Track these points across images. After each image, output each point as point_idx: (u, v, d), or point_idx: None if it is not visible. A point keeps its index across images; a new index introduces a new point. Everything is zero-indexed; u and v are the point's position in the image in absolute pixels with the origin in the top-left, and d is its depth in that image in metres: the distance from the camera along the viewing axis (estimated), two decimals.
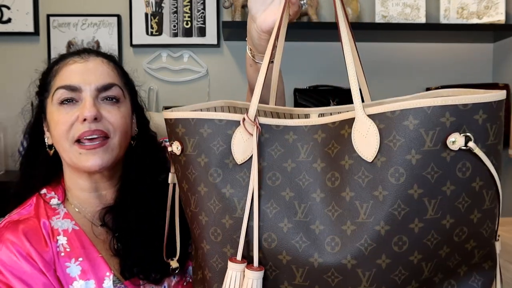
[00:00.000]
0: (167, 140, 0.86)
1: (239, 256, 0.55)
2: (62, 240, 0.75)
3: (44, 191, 0.80)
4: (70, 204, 0.80)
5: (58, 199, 0.79)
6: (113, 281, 0.74)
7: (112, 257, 0.76)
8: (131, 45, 2.03)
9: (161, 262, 0.74)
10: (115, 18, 2.02)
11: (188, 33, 2.05)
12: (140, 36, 2.04)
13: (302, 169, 0.57)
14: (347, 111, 0.58)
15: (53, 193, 0.80)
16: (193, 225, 0.61)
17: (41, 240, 0.73)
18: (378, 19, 1.99)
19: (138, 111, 0.85)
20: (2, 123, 2.01)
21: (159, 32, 2.05)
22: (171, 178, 0.68)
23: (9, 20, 2.00)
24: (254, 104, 0.58)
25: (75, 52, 0.80)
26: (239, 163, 0.58)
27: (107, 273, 0.74)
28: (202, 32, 2.05)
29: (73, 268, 0.73)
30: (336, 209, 0.53)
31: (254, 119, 0.57)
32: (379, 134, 0.51)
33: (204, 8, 2.05)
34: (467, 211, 0.51)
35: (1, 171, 1.97)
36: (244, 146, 0.58)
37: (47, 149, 0.80)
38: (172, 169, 0.67)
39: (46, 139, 0.80)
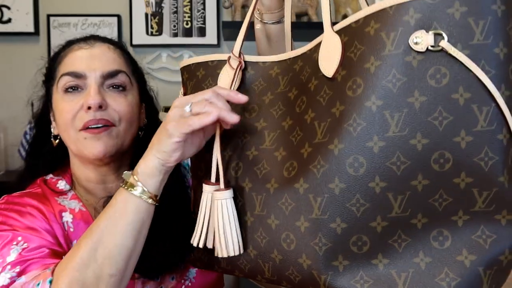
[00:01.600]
0: None
1: (212, 179, 0.56)
2: (67, 217, 0.73)
3: (50, 176, 0.79)
4: (77, 190, 0.78)
5: (66, 183, 0.77)
6: None
7: None
8: (131, 45, 2.03)
9: (160, 259, 0.73)
10: (115, 18, 2.02)
11: (188, 33, 2.05)
12: (140, 36, 2.04)
13: (279, 99, 0.56)
14: None
15: (60, 177, 0.78)
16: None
17: (49, 208, 0.72)
18: None
19: (147, 100, 0.82)
20: (2, 123, 2.01)
21: (159, 32, 2.05)
22: None
23: (9, 20, 2.00)
24: (239, 41, 0.59)
25: (81, 38, 0.77)
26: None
27: None
28: (202, 32, 2.05)
29: None
30: (299, 134, 0.51)
31: (239, 55, 0.59)
32: (341, 47, 0.47)
33: (204, 8, 2.05)
34: (447, 130, 0.42)
35: (1, 171, 1.97)
36: (228, 82, 0.58)
37: (52, 139, 0.78)
38: None
39: (52, 129, 0.78)
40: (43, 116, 0.79)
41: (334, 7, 2.02)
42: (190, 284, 0.78)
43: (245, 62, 0.59)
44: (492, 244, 0.44)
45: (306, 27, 1.93)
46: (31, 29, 2.00)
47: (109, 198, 0.73)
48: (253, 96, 0.58)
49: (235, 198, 0.54)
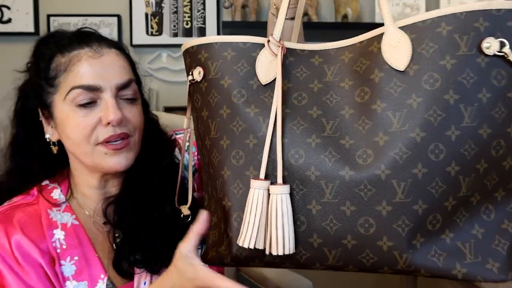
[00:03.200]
0: (178, 133, 0.84)
1: (262, 175, 0.54)
2: (59, 234, 0.71)
3: (46, 182, 0.76)
4: (74, 198, 0.76)
5: (61, 192, 0.75)
6: (107, 284, 0.71)
7: (108, 258, 0.73)
8: (131, 45, 2.03)
9: (160, 251, 0.72)
10: (115, 18, 2.02)
11: (188, 33, 2.05)
12: (140, 36, 2.04)
13: (329, 88, 0.56)
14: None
15: (56, 184, 0.76)
16: (212, 155, 0.59)
17: (39, 229, 0.70)
18: (378, 19, 1.99)
19: (144, 106, 0.81)
20: (2, 123, 2.01)
21: (159, 32, 2.05)
22: (187, 123, 0.68)
23: (9, 20, 1.99)
24: (279, 26, 0.58)
25: (82, 40, 0.71)
26: (263, 84, 0.58)
27: (102, 275, 0.71)
28: (202, 32, 2.05)
29: (67, 268, 0.70)
30: (367, 122, 0.52)
31: (279, 40, 0.57)
32: (411, 43, 0.51)
33: (204, 8, 2.05)
34: (504, 122, 0.50)
35: (1, 171, 1.97)
36: (268, 67, 0.57)
37: (51, 146, 0.75)
38: (188, 113, 0.67)
39: (48, 135, 0.74)
40: (31, 115, 0.75)
41: (334, 7, 2.02)
42: None
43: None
44: None
45: (306, 27, 1.93)
46: (31, 29, 2.00)
47: (106, 199, 0.75)
48: (298, 83, 0.57)
49: (293, 190, 0.54)
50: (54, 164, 0.77)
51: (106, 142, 0.69)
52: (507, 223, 0.53)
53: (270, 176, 0.54)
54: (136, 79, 0.76)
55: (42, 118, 0.74)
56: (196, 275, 0.61)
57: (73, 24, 2.02)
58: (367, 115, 0.53)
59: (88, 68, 0.68)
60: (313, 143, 0.54)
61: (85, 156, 0.71)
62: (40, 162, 0.76)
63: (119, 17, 2.03)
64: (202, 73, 0.60)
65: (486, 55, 0.48)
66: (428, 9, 2.06)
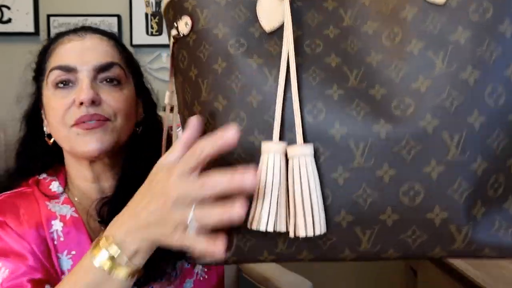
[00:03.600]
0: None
1: (275, 137, 0.42)
2: (57, 225, 0.69)
3: (44, 175, 0.75)
4: (70, 191, 0.74)
5: (60, 184, 0.73)
6: None
7: None
8: (131, 45, 2.03)
9: (152, 264, 0.68)
10: (115, 18, 2.02)
11: None
12: (140, 36, 2.04)
13: (348, 34, 0.46)
14: None
15: (54, 176, 0.75)
16: (205, 123, 0.50)
17: (37, 215, 0.68)
18: None
19: (144, 94, 0.78)
20: (2, 123, 2.02)
21: (159, 32, 2.04)
22: (169, 97, 0.58)
23: (9, 20, 2.00)
24: None
25: (71, 30, 0.73)
26: (267, 32, 0.48)
27: None
28: None
29: (64, 261, 0.68)
30: (401, 67, 0.43)
31: None
32: None
33: None
34: None
35: (1, 171, 1.97)
36: (272, 12, 0.48)
37: (46, 138, 0.74)
38: (171, 85, 0.56)
39: (44, 127, 0.74)
40: (34, 114, 0.76)
41: None
42: None
43: None
44: None
45: None
46: (31, 29, 2.00)
47: (101, 199, 0.72)
48: (309, 30, 0.48)
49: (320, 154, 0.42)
50: (53, 159, 0.75)
51: (78, 123, 0.66)
52: None
53: (284, 139, 0.43)
54: (129, 70, 0.73)
55: (42, 112, 0.75)
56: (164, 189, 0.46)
57: (73, 24, 2.02)
58: (400, 58, 0.43)
59: (66, 50, 0.69)
60: (335, 94, 0.43)
61: (62, 141, 0.69)
62: (41, 160, 0.75)
63: (119, 17, 2.03)
64: (189, 23, 0.50)
65: None
66: None
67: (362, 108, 0.42)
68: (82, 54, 0.68)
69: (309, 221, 0.40)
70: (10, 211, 0.68)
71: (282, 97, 0.43)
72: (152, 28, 2.04)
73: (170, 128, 0.68)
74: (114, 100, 0.68)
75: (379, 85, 0.43)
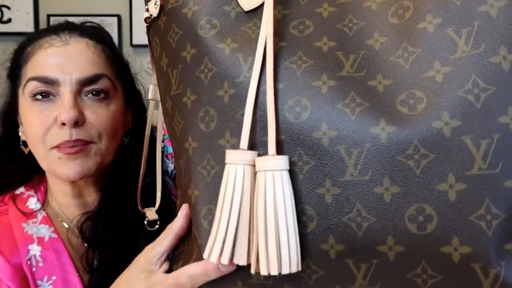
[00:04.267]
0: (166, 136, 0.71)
1: (244, 143, 0.33)
2: (35, 250, 0.63)
3: (21, 189, 0.68)
4: (51, 207, 0.68)
5: (38, 200, 0.67)
6: None
7: (87, 275, 0.65)
8: (131, 45, 2.03)
9: None
10: (115, 18, 2.03)
11: None
12: (140, 36, 2.04)
13: (347, 12, 0.38)
14: None
15: (32, 191, 0.68)
16: (174, 122, 0.41)
17: (11, 242, 0.63)
18: None
19: (134, 99, 0.69)
20: None
21: None
22: (152, 91, 0.53)
23: (9, 20, 2.00)
24: None
25: (52, 28, 0.64)
26: (246, 10, 0.39)
27: None
28: None
29: None
30: (412, 50, 0.34)
31: None
32: None
33: None
34: None
35: None
36: None
37: (22, 146, 0.67)
38: (153, 77, 0.50)
39: (20, 133, 0.66)
40: (9, 116, 0.68)
41: None
42: None
43: None
44: None
45: None
46: (31, 29, 2.00)
47: (84, 215, 0.66)
48: (297, 9, 0.39)
49: (294, 164, 0.34)
50: (33, 167, 0.67)
51: (61, 146, 0.60)
52: None
53: (258, 145, 0.34)
54: (118, 78, 0.66)
55: (18, 116, 0.68)
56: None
57: None
58: (411, 39, 0.34)
59: (46, 58, 0.61)
60: (324, 86, 0.34)
61: (41, 160, 0.63)
62: (18, 165, 0.68)
63: (119, 17, 2.03)
64: (158, 3, 0.43)
65: None
66: None
67: (359, 104, 0.33)
68: (64, 63, 0.60)
69: (274, 256, 0.31)
70: None
71: (256, 90, 0.34)
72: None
73: (155, 128, 0.63)
74: (99, 119, 0.61)
75: (382, 75, 0.34)
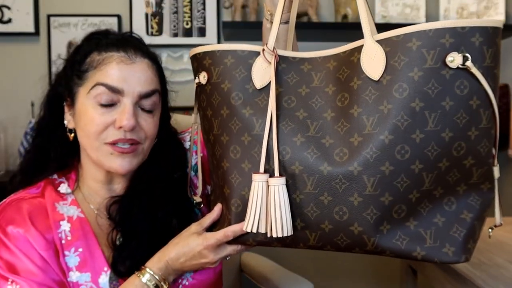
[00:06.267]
0: (185, 133, 0.90)
1: (261, 169, 0.61)
2: (65, 226, 0.73)
3: (54, 176, 0.79)
4: (80, 191, 0.78)
5: (68, 186, 0.78)
6: (110, 277, 0.72)
7: (110, 252, 0.75)
8: None
9: None
10: (115, 18, 2.02)
11: (188, 33, 2.06)
12: (140, 36, 2.04)
13: (315, 93, 0.63)
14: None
15: (63, 178, 0.79)
16: (215, 148, 0.68)
17: (45, 219, 0.72)
18: (378, 19, 2.00)
19: (164, 109, 0.82)
20: (2, 123, 2.01)
21: (159, 32, 2.05)
22: (194, 117, 0.77)
23: (9, 21, 2.00)
24: (272, 36, 0.64)
25: (120, 45, 0.74)
26: (258, 88, 0.65)
27: (105, 268, 0.73)
28: (202, 32, 2.05)
29: (72, 258, 0.72)
30: (345, 125, 0.59)
31: (273, 49, 0.64)
32: (385, 55, 0.57)
33: (204, 8, 2.05)
34: (465, 127, 0.56)
35: (1, 171, 1.97)
36: (263, 73, 0.64)
37: (67, 133, 0.77)
38: (195, 108, 0.75)
39: (66, 122, 0.77)
40: (56, 103, 0.78)
41: (334, 7, 2.02)
42: (187, 283, 0.78)
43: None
44: (481, 205, 0.61)
45: (306, 27, 1.93)
46: (31, 29, 2.00)
47: (112, 198, 0.78)
48: (288, 88, 0.64)
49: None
50: (68, 152, 0.79)
51: (114, 143, 0.71)
52: (465, 213, 0.60)
53: (266, 169, 0.62)
54: (161, 92, 0.78)
55: (65, 104, 0.77)
56: (199, 243, 0.70)
57: (73, 24, 2.02)
58: (346, 118, 0.59)
59: (116, 71, 0.71)
60: (298, 141, 0.61)
61: (91, 150, 0.73)
62: (56, 147, 0.78)
63: (119, 17, 2.03)
64: (206, 77, 0.68)
65: (450, 68, 0.54)
66: (428, 9, 2.07)
67: (315, 153, 0.60)
68: (130, 79, 0.71)
69: (279, 227, 0.59)
70: (19, 218, 0.71)
71: (267, 143, 0.62)
72: (152, 28, 2.04)
73: (178, 133, 0.89)
74: (148, 126, 0.74)
75: (329, 136, 0.60)
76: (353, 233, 0.59)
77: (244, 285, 1.34)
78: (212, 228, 0.71)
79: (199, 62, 0.69)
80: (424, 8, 2.03)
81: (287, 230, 0.59)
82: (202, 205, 0.80)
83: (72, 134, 0.76)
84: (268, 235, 0.60)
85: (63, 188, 0.78)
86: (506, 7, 2.01)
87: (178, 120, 0.91)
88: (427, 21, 2.06)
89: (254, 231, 0.60)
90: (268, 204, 0.60)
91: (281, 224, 0.59)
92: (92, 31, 0.79)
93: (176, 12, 2.06)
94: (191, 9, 2.06)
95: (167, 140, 0.83)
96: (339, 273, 2.01)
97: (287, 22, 0.77)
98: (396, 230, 0.59)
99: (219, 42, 2.06)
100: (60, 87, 0.77)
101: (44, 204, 0.74)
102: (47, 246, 0.70)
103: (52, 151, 0.78)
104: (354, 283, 2.02)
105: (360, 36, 0.60)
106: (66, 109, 0.77)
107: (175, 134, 0.87)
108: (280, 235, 0.59)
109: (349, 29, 1.90)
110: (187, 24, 2.06)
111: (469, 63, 0.54)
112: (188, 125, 0.89)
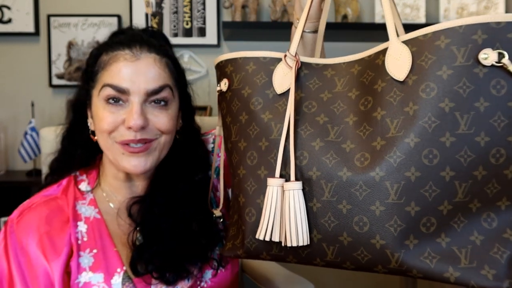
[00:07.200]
0: (208, 134, 0.89)
1: (277, 174, 0.58)
2: (82, 227, 0.74)
3: (76, 173, 0.80)
4: (100, 189, 0.79)
5: (88, 184, 0.78)
6: (123, 278, 0.72)
7: (128, 252, 0.74)
8: None
9: (178, 263, 0.73)
10: (115, 18, 2.02)
11: (188, 33, 2.06)
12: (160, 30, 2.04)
13: (338, 98, 0.60)
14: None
15: (84, 176, 0.79)
16: (232, 156, 0.66)
17: (61, 222, 0.73)
18: (378, 20, 1.99)
19: (185, 104, 0.80)
20: (2, 123, 2.01)
21: None
22: (218, 130, 0.75)
23: (9, 21, 2.00)
24: (295, 41, 0.63)
25: (126, 42, 0.73)
26: (278, 93, 0.62)
27: (118, 269, 0.72)
28: (202, 32, 2.05)
29: (85, 259, 0.72)
30: (368, 129, 0.56)
31: (295, 55, 0.62)
32: (411, 55, 0.54)
33: (204, 8, 2.05)
34: (504, 131, 0.50)
35: (1, 171, 1.96)
36: (284, 79, 0.63)
37: (91, 135, 0.77)
38: (219, 121, 0.73)
39: (89, 124, 0.78)
40: (80, 108, 0.79)
41: (334, 7, 2.02)
42: (205, 285, 0.78)
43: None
44: None
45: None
46: (31, 29, 2.00)
47: (132, 199, 0.77)
48: (309, 93, 0.62)
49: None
50: (93, 153, 0.80)
51: (125, 143, 0.70)
52: (509, 233, 0.53)
53: (283, 175, 0.59)
54: (176, 85, 0.76)
55: (88, 109, 0.78)
56: None
57: (73, 24, 2.02)
58: (368, 122, 0.56)
59: (121, 70, 0.70)
60: (317, 146, 0.58)
61: (107, 150, 0.73)
62: (81, 148, 0.79)
63: (119, 17, 2.03)
64: (227, 83, 0.67)
65: (484, 66, 0.50)
66: (428, 9, 2.07)
67: (334, 158, 0.56)
68: (135, 77, 0.70)
69: (294, 236, 0.55)
70: (41, 223, 0.72)
71: (283, 147, 0.58)
72: (152, 28, 2.04)
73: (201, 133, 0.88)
74: (160, 121, 0.72)
75: (350, 141, 0.57)
76: (374, 247, 0.54)
77: (245, 285, 1.34)
78: (226, 243, 0.67)
79: (221, 70, 0.68)
80: (424, 8, 2.03)
81: (303, 239, 0.55)
82: (222, 219, 0.78)
83: (96, 137, 0.76)
84: (283, 244, 0.56)
85: (83, 186, 0.78)
86: (506, 7, 2.01)
87: None
88: (427, 21, 2.06)
89: (268, 239, 0.56)
90: (283, 211, 0.56)
91: (296, 231, 0.55)
92: (114, 30, 0.80)
93: (176, 12, 2.06)
94: (191, 9, 2.06)
95: (190, 137, 0.82)
96: (340, 273, 2.01)
97: (315, 32, 0.74)
98: (425, 246, 0.53)
99: (219, 42, 2.06)
100: (82, 91, 0.78)
101: (62, 206, 0.75)
102: (67, 243, 0.72)
103: (78, 153, 0.79)
104: (354, 283, 2.02)
105: (360, 36, 0.60)
106: (88, 112, 0.78)
107: (198, 130, 0.85)
108: (295, 244, 0.55)
109: (349, 29, 1.90)
110: (187, 24, 2.06)
111: (506, 61, 0.49)
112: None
